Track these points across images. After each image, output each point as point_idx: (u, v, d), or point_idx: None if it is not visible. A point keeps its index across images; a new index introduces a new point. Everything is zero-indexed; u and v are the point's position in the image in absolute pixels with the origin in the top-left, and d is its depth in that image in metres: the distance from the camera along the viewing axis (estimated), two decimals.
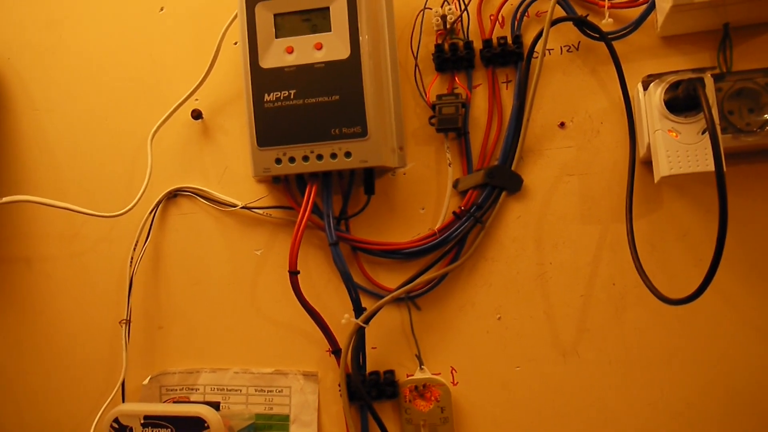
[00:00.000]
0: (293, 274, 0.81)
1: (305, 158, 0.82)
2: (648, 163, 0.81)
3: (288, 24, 0.83)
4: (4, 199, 0.87)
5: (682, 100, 0.74)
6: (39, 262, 0.99)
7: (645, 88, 0.78)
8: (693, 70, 0.75)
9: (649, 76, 0.78)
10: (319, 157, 0.81)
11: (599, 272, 0.83)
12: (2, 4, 1.03)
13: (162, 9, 0.98)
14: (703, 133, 0.73)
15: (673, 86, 0.75)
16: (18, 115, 1.02)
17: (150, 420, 0.77)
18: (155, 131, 0.93)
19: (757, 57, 0.80)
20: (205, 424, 0.75)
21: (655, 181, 0.75)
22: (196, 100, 0.94)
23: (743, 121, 0.77)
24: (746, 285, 0.79)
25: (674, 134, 0.75)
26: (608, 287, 0.83)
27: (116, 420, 0.78)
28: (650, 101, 0.76)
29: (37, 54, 1.02)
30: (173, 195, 0.95)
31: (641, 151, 0.81)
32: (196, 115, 0.94)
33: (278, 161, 0.82)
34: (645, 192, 0.82)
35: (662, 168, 0.74)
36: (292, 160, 0.82)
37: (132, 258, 0.94)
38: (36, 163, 1.00)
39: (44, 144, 1.01)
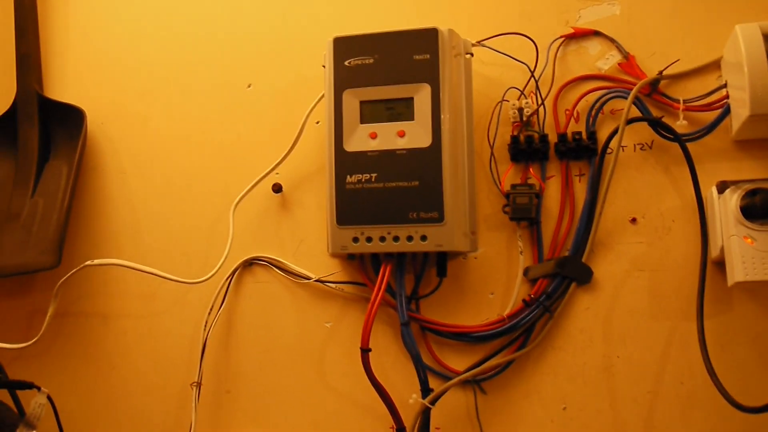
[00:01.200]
0: (365, 351, 0.83)
1: (382, 239, 0.85)
2: (719, 263, 0.82)
3: (373, 111, 0.87)
4: (96, 262, 0.91)
5: (760, 208, 0.75)
6: (116, 318, 1.03)
7: (720, 192, 0.80)
8: None
9: (725, 182, 0.79)
10: (396, 238, 0.84)
11: (667, 370, 0.83)
12: (99, 74, 1.10)
13: (250, 86, 1.04)
14: None
15: (750, 194, 0.77)
16: (107, 178, 1.07)
17: None
18: (238, 202, 0.97)
19: None
20: None
21: (729, 284, 0.76)
22: (277, 174, 0.99)
23: None
24: None
25: (750, 240, 0.76)
26: (676, 386, 0.83)
27: None
28: (725, 206, 0.78)
29: (128, 121, 1.08)
30: (249, 263, 0.99)
31: (713, 252, 0.82)
32: (277, 188, 0.98)
33: (356, 240, 0.86)
34: (716, 293, 0.83)
35: (737, 273, 0.75)
36: (369, 239, 0.85)
37: (206, 322, 0.97)
38: (120, 225, 1.05)
39: (129, 207, 1.06)
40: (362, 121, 0.87)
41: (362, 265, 0.93)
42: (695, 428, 0.82)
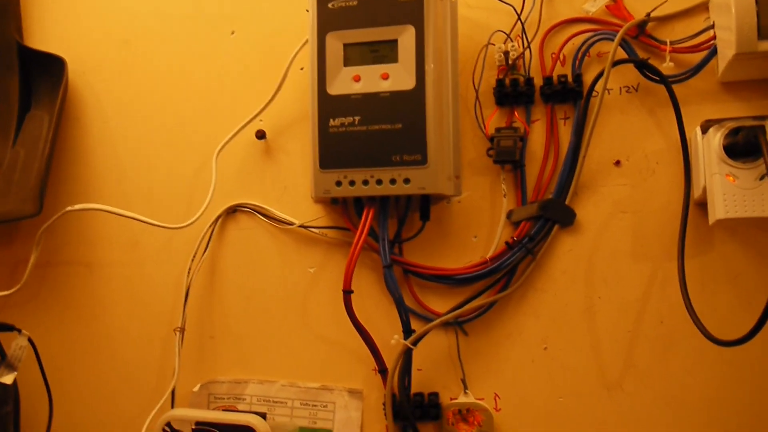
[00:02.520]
0: (347, 293, 0.84)
1: (365, 182, 0.84)
2: (702, 204, 0.82)
3: (356, 54, 0.86)
4: (76, 207, 0.91)
5: (742, 146, 0.75)
6: (100, 267, 1.03)
7: (704, 132, 0.79)
8: (754, 117, 0.76)
9: (708, 121, 0.79)
10: (379, 182, 0.84)
11: (648, 309, 0.84)
12: (80, 23, 1.08)
13: (233, 33, 1.02)
14: (761, 178, 0.74)
15: (733, 132, 0.76)
16: (89, 128, 1.06)
17: (201, 426, 0.80)
18: (221, 149, 0.96)
19: None
20: None
21: (710, 222, 0.76)
22: (261, 120, 0.98)
23: None
24: None
25: (732, 179, 0.76)
26: (656, 325, 0.83)
27: (168, 424, 0.81)
28: (709, 145, 0.78)
29: (110, 71, 1.07)
30: (233, 210, 0.99)
31: (696, 193, 0.82)
32: (260, 135, 0.98)
33: (339, 184, 0.85)
34: (697, 233, 0.83)
35: (718, 211, 0.75)
36: (352, 183, 0.85)
37: (190, 269, 0.97)
38: (104, 174, 1.05)
39: (112, 156, 1.05)
40: (346, 64, 0.86)
41: (346, 210, 0.92)
42: (675, 366, 0.82)
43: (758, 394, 0.80)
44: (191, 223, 0.94)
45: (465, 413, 0.86)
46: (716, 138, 0.77)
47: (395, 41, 0.85)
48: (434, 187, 0.83)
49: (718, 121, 0.78)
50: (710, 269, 0.83)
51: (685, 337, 0.82)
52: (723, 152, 0.76)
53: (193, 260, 0.97)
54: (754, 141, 0.72)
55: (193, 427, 0.80)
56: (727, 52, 0.79)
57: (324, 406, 0.91)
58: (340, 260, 0.92)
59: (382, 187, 0.84)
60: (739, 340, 0.69)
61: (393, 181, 0.84)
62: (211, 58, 1.03)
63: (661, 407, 0.82)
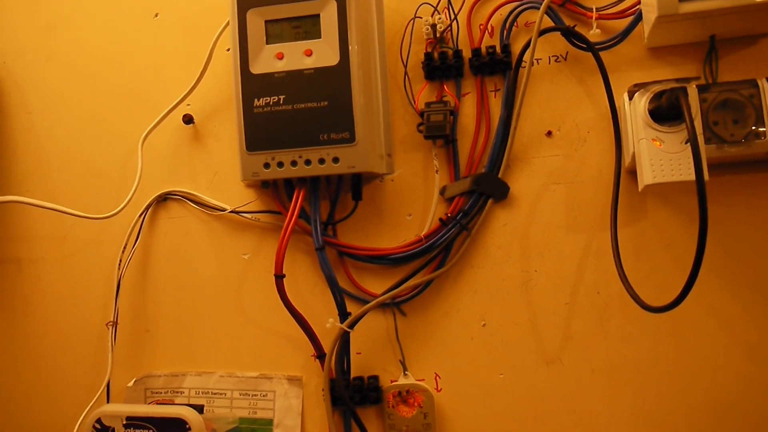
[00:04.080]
0: (279, 277, 0.82)
1: (293, 163, 0.82)
2: (633, 172, 0.82)
3: (278, 30, 0.84)
4: None
5: (666, 110, 0.74)
6: (29, 263, 0.99)
7: (630, 97, 0.79)
8: (677, 80, 0.75)
9: (635, 85, 0.78)
10: (308, 162, 0.82)
11: (584, 280, 0.83)
12: (0, 8, 1.04)
13: (156, 15, 0.99)
14: (686, 142, 0.73)
15: (657, 96, 0.75)
16: (12, 118, 1.03)
17: (132, 421, 0.77)
18: (146, 135, 0.94)
19: (742, 69, 0.81)
20: (187, 426, 0.75)
21: (639, 189, 0.76)
22: (188, 105, 0.95)
23: (728, 131, 0.77)
24: (729, 294, 0.79)
25: (658, 143, 0.75)
26: (593, 295, 0.83)
27: (99, 420, 0.78)
28: (635, 110, 0.77)
29: (32, 58, 1.03)
30: (163, 199, 0.96)
31: (627, 160, 0.81)
32: (188, 120, 0.95)
33: (267, 166, 0.83)
34: (630, 201, 0.83)
35: (646, 176, 0.75)
36: (280, 164, 0.83)
37: (120, 261, 0.94)
38: (28, 166, 1.01)
39: (37, 147, 1.01)
40: (268, 42, 0.84)
41: (277, 193, 0.90)
42: (612, 336, 0.82)
43: (693, 358, 0.80)
44: (117, 213, 0.91)
45: (405, 395, 0.85)
46: (641, 102, 0.76)
47: (317, 16, 0.83)
48: (364, 165, 0.81)
49: (644, 86, 0.77)
50: (644, 237, 0.83)
51: (622, 307, 0.82)
52: (648, 117, 0.75)
53: (123, 252, 0.94)
54: (677, 104, 0.71)
55: (124, 422, 0.77)
56: (650, 16, 0.78)
57: (263, 396, 0.89)
58: (274, 245, 0.89)
59: (311, 168, 0.82)
60: (669, 306, 0.69)
61: (322, 161, 0.82)
62: (136, 42, 1.00)
63: (600, 378, 0.82)
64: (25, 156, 1.01)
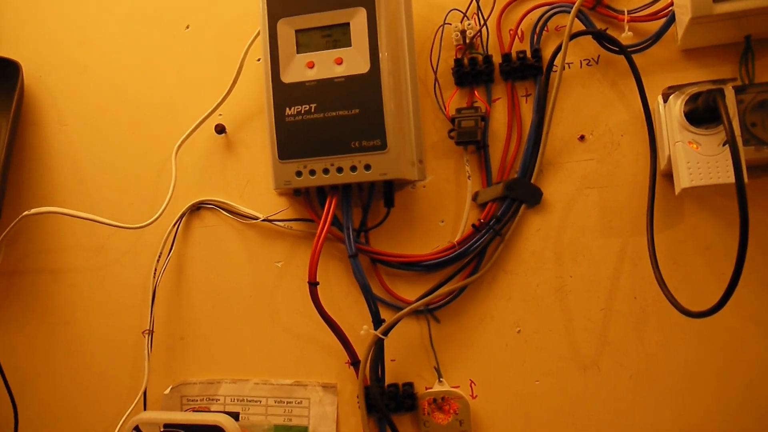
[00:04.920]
0: (312, 285, 0.82)
1: (325, 171, 0.83)
2: (669, 175, 0.81)
3: (309, 40, 0.85)
4: (33, 211, 0.89)
5: (702, 112, 0.74)
6: (65, 273, 1.01)
7: (665, 100, 0.78)
8: (713, 82, 0.75)
9: (670, 88, 0.77)
10: (339, 169, 0.82)
11: (620, 286, 0.82)
12: (34, 27, 1.07)
13: (188, 27, 1.01)
14: (723, 144, 0.72)
15: (693, 98, 0.75)
16: (48, 131, 1.05)
17: (169, 428, 0.78)
18: (179, 145, 0.95)
19: None
20: None
21: (676, 193, 0.75)
22: (220, 115, 0.96)
23: (766, 133, 0.76)
24: (767, 297, 0.78)
25: (695, 146, 0.74)
26: (629, 301, 0.82)
27: (137, 428, 0.79)
28: (670, 113, 0.76)
29: (66, 72, 1.06)
30: (197, 208, 0.97)
31: (662, 164, 0.80)
32: (220, 129, 0.96)
33: (299, 174, 0.84)
34: (666, 205, 0.82)
35: (683, 180, 0.74)
36: (312, 172, 0.83)
37: (155, 270, 0.95)
38: (64, 178, 1.03)
39: (72, 159, 1.03)
40: (299, 51, 0.85)
41: (309, 201, 0.91)
42: (650, 341, 0.81)
43: (733, 364, 0.79)
44: (151, 223, 0.92)
45: (440, 402, 0.85)
46: (677, 105, 0.75)
47: (347, 24, 0.83)
48: (396, 172, 0.82)
49: (678, 88, 0.76)
50: (681, 242, 0.82)
51: (659, 312, 0.81)
52: (684, 119, 0.75)
53: (158, 261, 0.96)
54: (714, 105, 0.70)
55: (162, 429, 0.78)
56: (684, 17, 0.77)
57: (298, 403, 0.89)
58: (307, 252, 0.90)
59: (342, 175, 0.82)
60: (709, 311, 0.68)
61: (354, 168, 0.82)
62: (167, 54, 1.01)
63: (637, 384, 0.81)
64: (60, 168, 1.04)
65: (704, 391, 0.79)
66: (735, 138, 0.66)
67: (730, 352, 0.79)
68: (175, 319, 0.96)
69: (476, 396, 0.86)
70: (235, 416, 0.88)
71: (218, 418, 0.77)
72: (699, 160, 0.74)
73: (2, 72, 1.03)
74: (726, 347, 0.79)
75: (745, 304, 0.79)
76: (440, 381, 0.86)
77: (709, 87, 0.74)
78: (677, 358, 0.80)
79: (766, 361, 0.78)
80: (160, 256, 0.96)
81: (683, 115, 0.75)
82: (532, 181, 0.85)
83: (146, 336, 0.93)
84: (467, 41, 0.88)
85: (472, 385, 0.86)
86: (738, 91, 0.75)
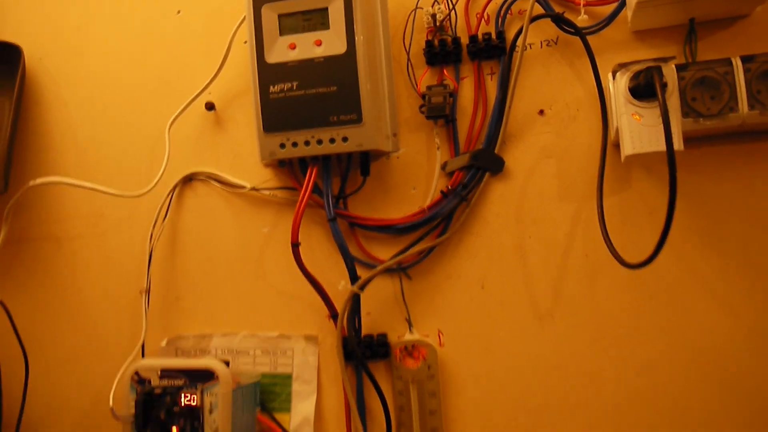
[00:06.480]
0: (295, 245, 0.90)
1: (307, 143, 0.90)
2: (618, 146, 0.89)
3: (291, 23, 0.92)
4: (38, 181, 0.96)
5: (644, 87, 0.81)
6: (68, 240, 1.08)
7: (614, 77, 0.86)
8: (655, 60, 0.82)
9: (619, 65, 0.85)
10: (319, 141, 0.90)
11: (574, 245, 0.91)
12: (34, 13, 1.14)
13: (179, 12, 1.08)
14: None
15: (636, 75, 0.83)
16: (49, 110, 1.12)
17: (166, 372, 0.86)
18: (172, 122, 1.02)
19: (719, 49, 0.87)
20: (215, 376, 0.84)
21: (622, 160, 0.83)
22: (209, 93, 1.04)
23: (704, 106, 0.83)
24: (704, 254, 0.87)
25: (637, 117, 0.82)
26: (581, 258, 0.90)
27: (137, 373, 0.87)
28: (618, 88, 0.84)
29: (66, 55, 1.12)
30: (189, 179, 1.05)
31: (612, 135, 0.88)
32: (210, 106, 1.03)
33: (282, 146, 0.91)
34: (616, 173, 0.90)
35: (626, 148, 0.82)
36: (294, 144, 0.91)
37: (151, 236, 1.03)
38: (65, 154, 1.10)
39: (72, 135, 1.10)
40: (281, 34, 0.92)
41: (292, 171, 0.98)
42: (599, 295, 0.89)
43: (672, 313, 0.87)
44: (149, 191, 0.99)
45: (411, 349, 0.93)
46: (622, 81, 0.83)
47: (326, 9, 0.91)
48: (371, 144, 0.89)
49: (625, 66, 0.84)
50: (629, 206, 0.89)
51: (607, 269, 0.89)
52: (629, 93, 0.83)
53: (154, 227, 1.03)
54: (652, 81, 0.78)
55: (159, 373, 0.86)
56: (632, 1, 0.85)
57: (283, 353, 0.97)
58: (290, 218, 0.96)
59: (322, 147, 0.90)
60: (645, 262, 0.76)
61: (332, 140, 0.90)
62: (160, 37, 1.08)
63: (587, 332, 0.90)
64: (62, 145, 1.11)
65: (647, 340, 0.88)
66: (666, 107, 0.74)
67: (670, 303, 0.87)
68: (171, 281, 1.04)
69: (443, 344, 0.94)
70: (226, 364, 0.96)
71: (211, 363, 0.85)
72: (641, 130, 0.82)
73: (5, 55, 1.09)
74: (668, 300, 0.87)
75: (683, 259, 0.87)
76: (411, 331, 0.94)
77: (650, 65, 0.82)
78: (623, 309, 0.89)
79: (704, 312, 0.86)
80: (155, 224, 1.03)
81: (628, 90, 0.83)
82: (496, 151, 0.93)
83: (143, 295, 1.01)
84: (437, 24, 0.96)
85: (440, 334, 0.94)
86: (680, 68, 0.83)
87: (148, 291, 1.01)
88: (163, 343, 1.02)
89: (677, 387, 0.87)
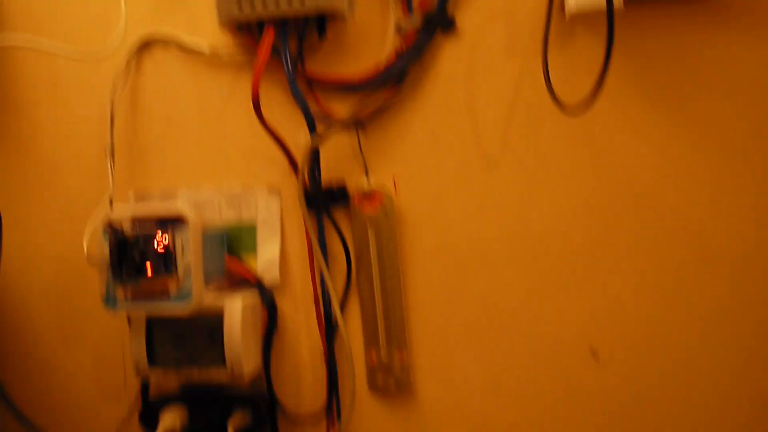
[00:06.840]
0: (256, 101, 0.93)
1: (264, 5, 0.93)
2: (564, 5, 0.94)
3: None
4: None
5: None
6: (28, 107, 1.10)
7: None
8: None
9: None
10: (277, 4, 0.93)
11: (520, 97, 0.97)
12: None
13: None
14: None
15: None
16: None
17: (138, 222, 0.90)
18: None
19: None
20: (185, 220, 0.89)
21: (566, 18, 0.88)
22: None
23: None
24: (641, 103, 0.94)
25: None
26: (527, 109, 0.96)
27: (110, 224, 0.91)
28: None
29: None
30: (147, 44, 1.06)
31: None
32: None
33: (240, 8, 0.94)
34: (561, 31, 0.95)
35: (571, 6, 0.88)
36: (252, 6, 0.93)
37: (113, 102, 1.05)
38: (18, 23, 1.10)
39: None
40: None
41: (252, 35, 1.01)
42: (543, 144, 0.96)
43: (608, 158, 0.95)
44: (110, 55, 1.01)
45: (369, 195, 0.99)
46: None
47: None
48: (328, 5, 0.93)
49: None
50: (572, 61, 0.95)
51: (550, 119, 0.96)
52: None
53: (114, 92, 1.05)
54: None
55: (130, 222, 0.90)
56: None
57: (248, 204, 1.03)
58: (250, 80, 1.01)
59: (280, 9, 0.93)
60: (583, 107, 0.83)
61: (290, 3, 0.93)
62: None
63: (531, 178, 0.97)
64: (13, 11, 1.10)
65: (584, 182, 0.96)
66: None
67: (607, 148, 0.94)
68: (133, 142, 1.07)
69: (398, 192, 1.01)
70: None
71: (181, 207, 0.89)
72: None
73: None
74: (604, 144, 0.94)
75: (620, 108, 0.94)
76: (368, 180, 1.00)
77: None
78: (565, 156, 0.96)
79: (637, 158, 0.94)
80: (115, 88, 1.05)
81: None
82: (448, 12, 0.98)
83: (107, 154, 1.04)
84: None
85: (395, 183, 1.01)
86: None
87: (111, 147, 1.04)
88: (130, 195, 1.06)
89: (610, 222, 0.96)
